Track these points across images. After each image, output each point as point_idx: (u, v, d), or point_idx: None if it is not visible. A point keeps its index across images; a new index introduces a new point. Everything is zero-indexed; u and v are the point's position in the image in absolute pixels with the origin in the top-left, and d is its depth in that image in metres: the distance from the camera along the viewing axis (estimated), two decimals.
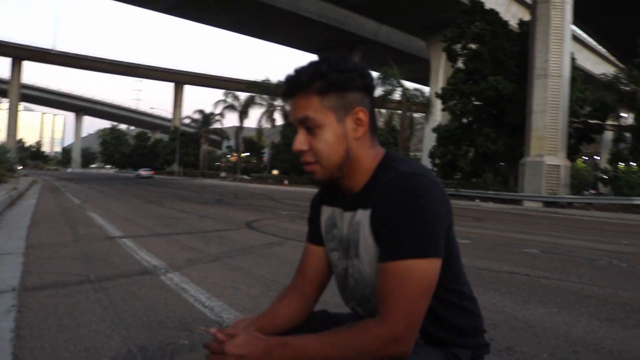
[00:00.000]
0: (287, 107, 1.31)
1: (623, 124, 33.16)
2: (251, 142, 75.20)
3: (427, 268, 1.16)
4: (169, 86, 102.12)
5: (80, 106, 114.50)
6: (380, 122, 62.63)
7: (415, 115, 51.51)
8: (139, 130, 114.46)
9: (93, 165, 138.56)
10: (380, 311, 1.18)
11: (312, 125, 1.23)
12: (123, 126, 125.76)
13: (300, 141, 1.25)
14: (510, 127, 31.91)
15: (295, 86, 1.24)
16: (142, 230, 7.98)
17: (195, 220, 10.40)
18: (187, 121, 78.69)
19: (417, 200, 1.16)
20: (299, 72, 1.25)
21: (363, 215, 1.26)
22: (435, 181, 1.22)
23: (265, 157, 73.48)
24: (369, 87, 1.28)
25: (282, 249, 6.83)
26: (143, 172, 65.85)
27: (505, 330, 3.24)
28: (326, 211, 1.44)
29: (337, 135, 1.24)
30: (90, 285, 3.90)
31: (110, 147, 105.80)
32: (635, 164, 35.21)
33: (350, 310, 1.49)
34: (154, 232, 7.82)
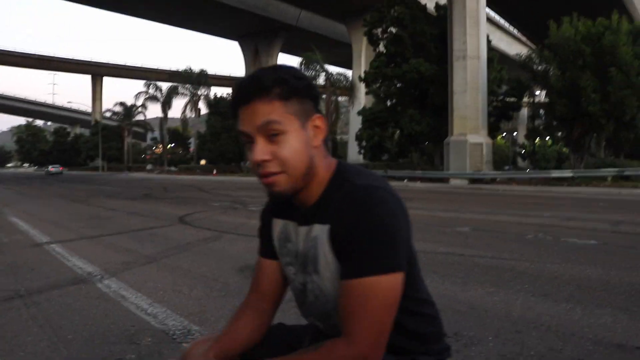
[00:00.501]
0: (240, 115, 1.18)
1: (537, 102, 34.88)
2: (176, 133, 73.42)
3: (391, 283, 1.13)
4: (87, 79, 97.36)
5: None
6: None
7: (340, 99, 52.00)
8: (57, 125, 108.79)
9: (9, 165, 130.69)
10: (345, 330, 1.15)
11: (276, 131, 1.15)
12: (40, 122, 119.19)
13: (262, 150, 1.15)
14: (433, 108, 32.85)
15: (254, 90, 1.16)
16: (70, 233, 7.60)
17: (125, 219, 10.04)
18: (108, 114, 75.51)
19: (377, 215, 1.13)
20: (258, 77, 1.17)
21: (321, 231, 1.22)
22: (393, 192, 1.19)
23: (192, 148, 72.00)
24: (318, 96, 1.25)
25: (220, 244, 6.71)
26: (52, 168, 63.81)
27: (450, 315, 3.33)
28: (278, 224, 1.38)
29: (302, 141, 1.18)
30: (21, 301, 3.65)
31: (27, 145, 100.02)
32: (549, 139, 37.26)
33: (307, 322, 1.46)
34: (83, 235, 7.46)
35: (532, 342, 2.85)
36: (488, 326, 3.16)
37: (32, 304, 3.56)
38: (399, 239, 1.15)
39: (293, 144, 1.16)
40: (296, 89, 1.18)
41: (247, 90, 1.17)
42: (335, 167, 1.26)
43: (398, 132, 37.36)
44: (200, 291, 4.05)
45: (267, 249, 1.42)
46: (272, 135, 1.15)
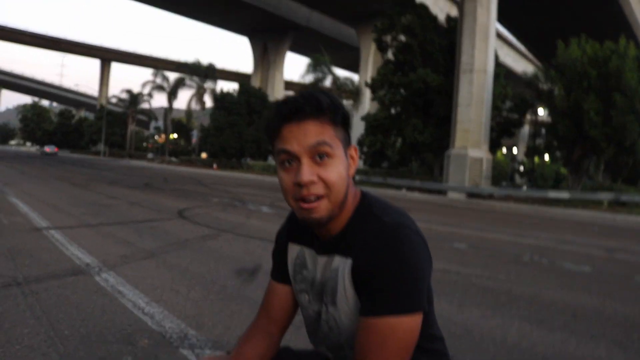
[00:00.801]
0: (284, 132, 1.17)
1: (539, 120, 34.94)
2: (180, 124, 73.25)
3: (410, 324, 1.14)
4: (95, 64, 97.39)
5: None
6: None
7: (345, 102, 52.03)
8: (62, 107, 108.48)
9: (12, 142, 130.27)
10: None
11: (326, 153, 1.15)
12: (45, 102, 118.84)
13: (310, 171, 1.14)
14: (437, 119, 32.85)
15: (311, 110, 1.15)
16: (70, 219, 7.59)
17: (126, 208, 10.03)
18: (114, 100, 75.36)
19: (403, 256, 1.13)
20: (316, 97, 1.16)
21: (343, 264, 1.21)
22: (418, 231, 1.20)
23: (194, 140, 71.92)
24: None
25: (217, 243, 6.71)
26: (47, 148, 64.35)
27: (446, 337, 3.32)
28: (294, 249, 1.38)
29: (345, 167, 1.19)
30: (19, 289, 3.65)
31: (31, 124, 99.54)
32: (548, 158, 37.32)
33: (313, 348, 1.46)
34: (83, 222, 7.45)
35: None
36: (484, 352, 3.17)
37: (30, 293, 3.56)
38: (422, 279, 1.15)
39: (339, 169, 1.16)
40: (344, 117, 1.19)
41: (301, 108, 1.15)
42: (360, 198, 1.26)
43: (400, 140, 37.39)
44: (198, 292, 4.05)
45: (280, 273, 1.42)
46: (320, 157, 1.15)
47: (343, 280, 1.21)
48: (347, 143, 1.21)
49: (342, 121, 1.20)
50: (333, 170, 1.16)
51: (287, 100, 1.18)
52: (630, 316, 4.41)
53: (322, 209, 1.17)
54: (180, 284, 4.29)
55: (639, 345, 3.60)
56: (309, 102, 1.16)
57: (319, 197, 1.16)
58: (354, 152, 1.23)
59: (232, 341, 2.95)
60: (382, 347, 1.12)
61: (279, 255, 1.43)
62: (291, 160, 1.16)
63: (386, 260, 1.13)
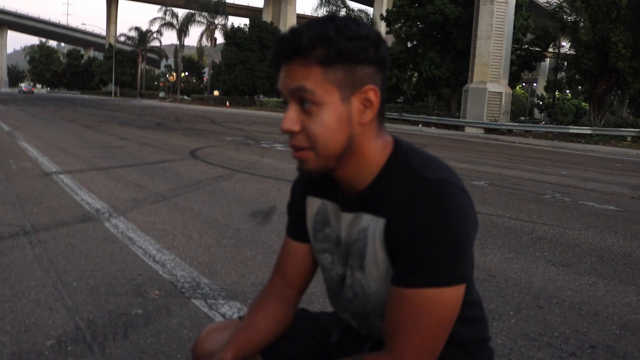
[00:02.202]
0: (280, 72, 0.99)
1: (562, 53, 33.80)
2: (191, 62, 72.42)
3: (452, 296, 0.96)
4: (101, 1, 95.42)
5: (2, 20, 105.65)
6: None
7: None
8: (70, 47, 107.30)
9: (22, 84, 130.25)
10: (390, 344, 0.99)
11: (309, 100, 0.95)
12: (53, 43, 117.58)
13: (291, 119, 0.97)
14: (454, 53, 31.99)
15: (292, 50, 0.95)
16: (80, 163, 7.49)
17: (137, 149, 9.92)
18: (122, 39, 74.23)
19: (447, 219, 0.94)
20: (298, 32, 0.95)
21: (374, 224, 1.03)
22: (464, 189, 1.00)
23: (206, 77, 71.24)
24: (383, 60, 0.99)
25: (231, 184, 6.59)
26: (25, 88, 68.29)
27: None
28: (314, 203, 1.19)
29: (340, 117, 0.96)
30: (26, 238, 3.55)
31: (40, 66, 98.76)
32: (569, 92, 36.42)
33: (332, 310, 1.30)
34: (93, 165, 7.35)
35: (555, 321, 2.73)
36: (509, 298, 3.03)
37: (37, 242, 3.46)
38: (468, 246, 0.97)
39: (326, 120, 0.96)
40: (342, 53, 0.94)
41: (283, 47, 0.96)
42: (393, 147, 1.05)
43: (416, 74, 36.61)
44: (211, 237, 3.93)
45: (298, 230, 1.23)
46: (304, 103, 0.96)
47: (373, 243, 1.03)
48: (352, 85, 0.96)
49: (345, 57, 0.95)
50: (317, 120, 0.96)
51: (278, 37, 0.99)
52: None
53: (309, 161, 1.00)
54: (193, 228, 4.18)
55: None
56: (291, 40, 0.95)
57: (302, 149, 0.99)
58: (371, 94, 0.98)
59: (246, 290, 2.84)
60: (418, 322, 0.95)
61: (296, 209, 1.24)
62: (286, 102, 0.99)
63: (428, 223, 0.94)
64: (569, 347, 2.42)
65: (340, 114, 0.97)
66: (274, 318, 1.21)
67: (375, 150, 1.03)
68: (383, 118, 1.05)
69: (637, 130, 24.28)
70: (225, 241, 3.87)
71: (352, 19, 0.98)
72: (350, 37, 0.94)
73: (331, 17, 0.97)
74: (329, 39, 0.93)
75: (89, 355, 1.97)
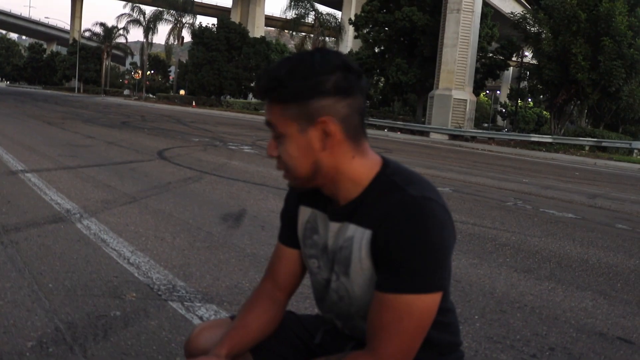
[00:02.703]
0: None
1: (525, 63, 34.69)
2: (157, 60, 71.44)
3: (429, 303, 1.07)
4: None
5: None
6: (291, 45, 61.58)
7: (327, 39, 51.04)
8: (32, 41, 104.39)
9: None
10: (372, 344, 1.10)
11: (276, 132, 1.12)
12: (13, 36, 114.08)
13: (271, 146, 1.15)
14: (421, 59, 32.47)
15: (261, 90, 1.13)
16: (47, 161, 7.37)
17: (104, 148, 9.80)
18: (87, 34, 72.62)
19: (428, 233, 1.04)
20: (262, 75, 1.12)
21: (360, 234, 1.13)
22: (445, 206, 1.11)
23: (172, 76, 70.38)
24: (346, 89, 1.07)
25: (201, 186, 6.61)
26: None
27: None
28: (305, 212, 1.29)
29: (300, 147, 1.09)
30: None
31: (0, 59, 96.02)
32: (531, 101, 37.39)
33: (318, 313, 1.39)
34: (60, 164, 7.25)
35: (517, 325, 2.87)
36: (474, 303, 3.17)
37: (9, 243, 3.43)
38: (446, 258, 1.09)
39: (289, 149, 1.11)
40: (293, 93, 1.06)
41: (258, 88, 1.14)
42: (380, 167, 1.15)
43: (383, 80, 37.00)
44: (184, 240, 3.97)
45: (289, 236, 1.33)
46: (277, 136, 1.13)
47: (359, 252, 1.13)
48: (307, 118, 1.07)
49: (295, 96, 1.06)
50: (283, 150, 1.12)
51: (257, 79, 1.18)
52: (613, 265, 4.47)
53: (289, 180, 1.18)
54: (165, 230, 4.20)
55: (622, 294, 3.65)
56: (259, 82, 1.14)
57: (284, 170, 1.16)
58: (327, 125, 1.07)
59: (221, 293, 2.90)
60: (398, 324, 1.06)
61: (289, 217, 1.34)
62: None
63: (410, 236, 1.04)
64: (530, 350, 2.57)
65: (300, 144, 1.09)
66: (265, 318, 1.29)
67: (357, 169, 1.13)
68: (360, 138, 1.13)
69: (595, 139, 25.15)
70: (198, 244, 3.91)
71: (317, 52, 1.09)
72: (302, 77, 1.05)
73: (289, 58, 1.10)
74: (280, 82, 1.06)
75: (71, 356, 2.00)
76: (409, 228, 1.04)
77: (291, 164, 1.11)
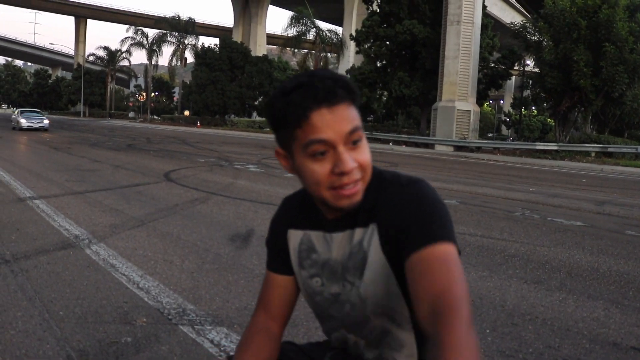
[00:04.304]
0: (314, 119, 1.04)
1: (527, 72, 34.74)
2: (161, 82, 71.99)
3: (457, 254, 1.03)
4: (70, 21, 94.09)
5: None
6: (294, 62, 61.97)
7: (329, 55, 51.33)
8: (37, 67, 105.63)
9: None
10: (438, 308, 0.94)
11: (361, 136, 1.08)
12: (19, 62, 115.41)
13: (351, 158, 1.06)
14: (423, 72, 32.57)
15: (344, 92, 1.06)
16: (54, 187, 7.42)
17: (110, 172, 9.87)
18: (91, 59, 73.38)
19: (428, 199, 1.09)
20: (343, 79, 1.07)
21: (367, 233, 1.14)
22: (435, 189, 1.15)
23: (176, 97, 70.88)
24: None
25: (208, 207, 6.63)
26: None
27: None
28: (296, 235, 1.28)
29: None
30: (7, 267, 3.54)
31: (6, 85, 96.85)
32: (535, 109, 37.37)
33: (329, 337, 1.37)
34: (68, 189, 7.30)
35: (529, 338, 2.85)
36: (485, 316, 3.15)
37: (19, 271, 3.46)
38: (450, 219, 1.09)
39: (368, 149, 1.11)
40: (359, 97, 1.12)
41: (333, 90, 1.04)
42: (372, 173, 1.17)
43: (386, 94, 37.12)
44: (192, 263, 3.98)
45: (278, 263, 1.31)
46: (354, 142, 1.07)
47: (371, 249, 1.14)
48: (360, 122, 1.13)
49: (359, 101, 1.13)
50: (365, 152, 1.09)
51: (308, 82, 1.05)
52: (624, 272, 4.44)
53: (359, 192, 1.10)
54: (173, 253, 4.21)
55: (635, 303, 3.62)
56: (338, 84, 1.06)
57: (356, 182, 1.09)
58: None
59: (231, 315, 2.90)
60: (449, 270, 0.98)
61: (277, 244, 1.32)
62: (325, 151, 1.06)
63: (414, 206, 1.08)
64: None
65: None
66: (263, 355, 1.26)
67: None
68: None
69: (601, 145, 25.06)
70: (207, 266, 3.92)
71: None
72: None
73: (326, 70, 1.11)
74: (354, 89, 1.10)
75: None
76: (409, 202, 1.09)
77: (370, 166, 1.11)
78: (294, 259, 1.28)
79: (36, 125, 27.92)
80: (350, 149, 1.06)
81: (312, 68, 47.06)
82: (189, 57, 59.24)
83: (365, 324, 1.23)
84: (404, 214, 1.08)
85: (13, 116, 32.50)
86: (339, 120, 1.04)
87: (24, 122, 27.88)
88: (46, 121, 29.01)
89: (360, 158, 1.07)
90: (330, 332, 1.34)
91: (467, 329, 0.89)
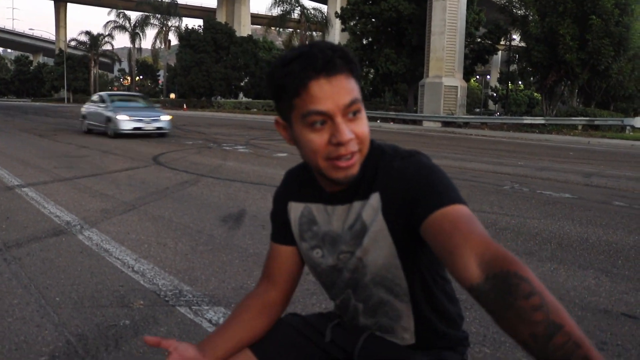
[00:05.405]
0: (313, 89, 1.03)
1: (513, 46, 34.72)
2: (145, 65, 71.14)
3: (471, 214, 1.01)
4: (49, 5, 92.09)
5: None
6: (279, 42, 61.45)
7: (314, 34, 50.95)
8: (18, 53, 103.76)
9: None
10: (463, 256, 0.92)
11: (359, 108, 1.07)
12: None
13: (348, 129, 1.05)
14: (410, 48, 32.45)
15: (344, 62, 1.05)
16: (42, 174, 7.35)
17: (98, 158, 9.79)
18: (73, 44, 72.17)
19: (436, 168, 1.09)
20: (342, 50, 1.07)
21: (368, 204, 1.15)
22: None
23: (161, 80, 70.17)
24: None
25: (198, 189, 6.62)
26: None
27: None
28: (296, 208, 1.30)
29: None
30: (0, 256, 3.53)
31: None
32: (521, 83, 37.45)
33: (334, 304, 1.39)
34: (56, 176, 7.23)
35: None
36: None
37: (12, 259, 3.44)
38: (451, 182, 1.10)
39: (366, 121, 1.10)
40: (359, 69, 1.11)
41: (332, 60, 1.04)
42: (370, 143, 1.17)
43: (373, 71, 37.00)
44: (186, 245, 3.98)
45: (282, 235, 1.33)
46: (353, 113, 1.06)
47: (370, 217, 1.15)
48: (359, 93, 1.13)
49: (359, 75, 1.12)
50: (363, 124, 1.09)
51: (308, 52, 1.05)
52: (613, 242, 4.51)
53: (356, 165, 1.10)
54: (167, 236, 4.21)
55: (624, 271, 3.69)
56: (338, 54, 1.05)
57: (353, 154, 1.08)
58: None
59: (227, 295, 2.92)
60: (478, 224, 0.97)
61: (279, 216, 1.34)
62: (323, 121, 1.06)
63: (421, 175, 1.08)
64: None
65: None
66: (258, 320, 1.29)
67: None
68: None
69: (587, 118, 25.21)
70: (201, 247, 3.93)
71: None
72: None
73: (324, 42, 1.10)
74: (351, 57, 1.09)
75: None
76: (413, 171, 1.09)
77: (367, 137, 1.10)
78: (295, 230, 1.30)
79: (150, 126, 15.34)
80: (348, 120, 1.06)
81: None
82: (173, 40, 58.55)
83: (364, 291, 1.25)
84: (410, 183, 1.08)
85: (90, 109, 17.19)
86: (337, 91, 1.04)
87: (124, 121, 14.98)
88: (165, 118, 15.92)
89: (358, 130, 1.07)
90: (334, 298, 1.35)
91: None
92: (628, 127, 23.69)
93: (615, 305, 3.00)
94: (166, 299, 2.80)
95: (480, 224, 0.98)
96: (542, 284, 0.84)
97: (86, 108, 17.49)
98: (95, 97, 18.00)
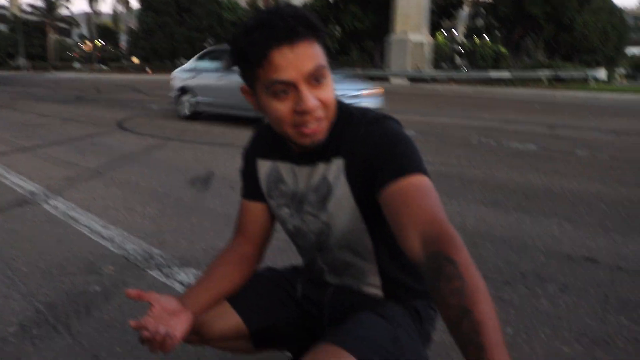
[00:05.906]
0: (276, 58, 0.99)
1: (479, 1, 34.59)
2: (106, 29, 68.81)
3: (430, 185, 1.03)
4: None
5: None
6: (243, 2, 59.98)
7: None
8: None
9: None
10: (421, 227, 0.93)
11: (324, 74, 1.05)
12: None
13: (312, 97, 1.04)
14: (376, 5, 32.10)
15: (306, 29, 1.02)
16: (2, 145, 7.11)
17: (60, 125, 9.52)
18: (28, 9, 69.09)
19: (401, 135, 1.10)
20: (304, 15, 1.03)
21: (333, 167, 1.16)
22: (400, 123, 1.16)
23: (122, 44, 68.13)
24: None
25: (165, 153, 6.54)
26: None
27: None
28: (264, 165, 1.30)
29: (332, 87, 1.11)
30: None
31: None
32: (488, 38, 37.48)
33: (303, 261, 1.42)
34: (17, 146, 7.02)
35: (489, 256, 2.97)
36: None
37: None
38: (418, 152, 1.09)
39: (332, 87, 1.09)
40: (324, 34, 1.08)
41: (294, 28, 1.00)
42: (338, 107, 1.16)
43: (339, 29, 36.55)
44: (154, 208, 3.94)
45: (252, 191, 1.35)
46: (317, 80, 1.05)
47: (337, 182, 1.16)
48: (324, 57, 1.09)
49: (324, 39, 1.09)
50: (328, 90, 1.07)
51: (269, 21, 1.01)
52: (576, 191, 4.63)
53: (322, 130, 1.10)
54: (134, 201, 4.16)
55: (586, 218, 3.80)
56: (300, 21, 1.01)
57: (318, 120, 1.08)
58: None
59: (197, 256, 2.91)
60: (431, 198, 0.99)
61: (248, 173, 1.35)
62: (287, 90, 1.03)
63: (384, 141, 1.08)
64: (503, 277, 2.67)
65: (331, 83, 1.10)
66: (234, 273, 1.30)
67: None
68: None
69: (552, 71, 25.50)
70: (169, 211, 3.89)
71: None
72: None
73: (292, 6, 1.08)
74: (319, 25, 1.06)
75: (56, 336, 1.99)
76: (377, 136, 1.10)
77: (334, 103, 1.10)
78: (264, 188, 1.32)
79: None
80: (313, 87, 1.04)
81: (262, 7, 45.68)
82: (134, 1, 56.64)
83: (329, 253, 1.27)
84: (374, 149, 1.08)
85: (199, 80, 10.37)
86: (300, 59, 1.02)
87: None
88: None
89: (323, 96, 1.06)
90: (302, 256, 1.40)
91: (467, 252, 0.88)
92: (591, 78, 24.07)
93: (578, 250, 3.09)
94: (136, 263, 2.78)
95: (436, 195, 0.99)
96: (472, 268, 0.83)
97: (187, 77, 10.82)
98: (198, 62, 10.97)
